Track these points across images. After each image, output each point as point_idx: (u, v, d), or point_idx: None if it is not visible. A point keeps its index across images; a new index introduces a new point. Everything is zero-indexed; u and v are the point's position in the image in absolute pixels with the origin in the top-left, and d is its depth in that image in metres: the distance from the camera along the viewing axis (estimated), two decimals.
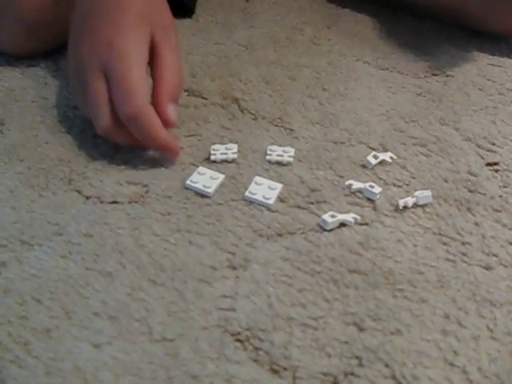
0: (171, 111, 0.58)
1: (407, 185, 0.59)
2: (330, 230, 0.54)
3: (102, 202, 0.56)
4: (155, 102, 0.58)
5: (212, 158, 0.60)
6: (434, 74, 0.76)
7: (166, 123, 0.57)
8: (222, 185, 0.58)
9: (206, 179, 0.57)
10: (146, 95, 0.56)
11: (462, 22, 0.79)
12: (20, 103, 0.68)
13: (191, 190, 0.57)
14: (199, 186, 0.56)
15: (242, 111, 0.67)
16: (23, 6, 0.68)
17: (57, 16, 0.69)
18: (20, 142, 0.62)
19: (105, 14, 0.59)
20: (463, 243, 0.54)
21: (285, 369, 0.44)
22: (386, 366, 0.44)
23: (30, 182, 0.58)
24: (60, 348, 0.45)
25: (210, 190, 0.56)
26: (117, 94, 0.56)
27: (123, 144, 0.60)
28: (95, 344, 0.45)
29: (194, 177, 0.57)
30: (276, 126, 0.65)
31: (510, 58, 0.79)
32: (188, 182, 0.57)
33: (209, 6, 0.87)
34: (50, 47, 0.74)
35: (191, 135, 0.63)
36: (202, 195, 0.57)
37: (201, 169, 0.58)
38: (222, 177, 0.58)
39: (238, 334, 0.46)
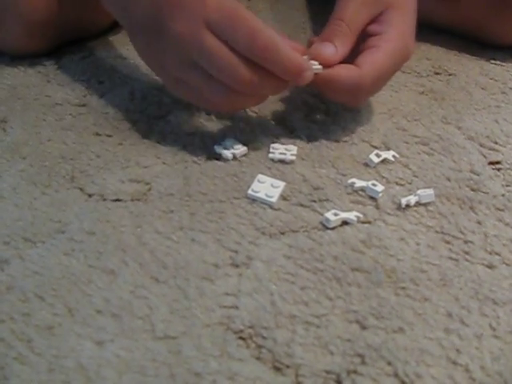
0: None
1: (410, 183, 0.59)
2: (333, 229, 0.54)
3: (104, 200, 0.56)
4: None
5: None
6: (437, 73, 0.76)
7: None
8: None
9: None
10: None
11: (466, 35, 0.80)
12: (22, 101, 0.68)
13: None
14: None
15: (244, 110, 0.67)
16: (25, 7, 0.68)
17: (59, 16, 0.69)
18: (22, 140, 0.62)
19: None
20: (466, 242, 0.54)
21: (287, 366, 0.44)
22: (389, 364, 0.44)
23: (33, 180, 0.58)
24: (63, 345, 0.45)
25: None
26: (241, 39, 0.53)
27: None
28: (98, 341, 0.45)
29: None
30: (278, 124, 0.65)
31: None
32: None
33: None
34: (51, 46, 0.74)
35: (193, 133, 0.63)
36: (203, 192, 0.57)
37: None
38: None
39: (241, 331, 0.46)
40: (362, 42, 0.61)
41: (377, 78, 0.59)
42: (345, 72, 0.58)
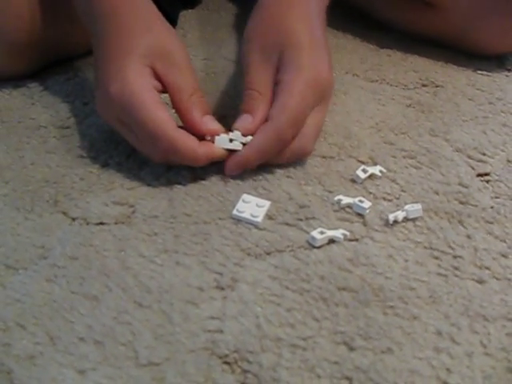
0: (208, 120, 0.59)
1: (397, 198, 0.58)
2: (319, 247, 0.53)
3: (88, 224, 0.55)
4: (188, 122, 0.58)
5: None
6: (424, 85, 0.75)
7: (210, 133, 0.58)
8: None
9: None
10: (169, 123, 0.56)
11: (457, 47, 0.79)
12: (6, 124, 0.67)
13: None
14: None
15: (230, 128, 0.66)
16: (6, 28, 0.67)
17: (41, 37, 0.69)
18: (5, 164, 0.62)
19: (105, 63, 0.58)
20: (455, 257, 0.53)
21: None
22: None
23: (16, 205, 0.57)
24: (44, 375, 0.44)
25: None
26: (144, 139, 0.57)
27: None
28: (80, 370, 0.44)
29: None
30: None
31: (499, 66, 0.78)
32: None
33: (197, 21, 0.87)
34: (35, 68, 0.73)
35: None
36: (188, 214, 0.56)
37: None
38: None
39: (226, 356, 0.45)
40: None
41: (293, 122, 0.57)
42: (263, 136, 0.57)
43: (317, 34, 0.61)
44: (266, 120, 0.58)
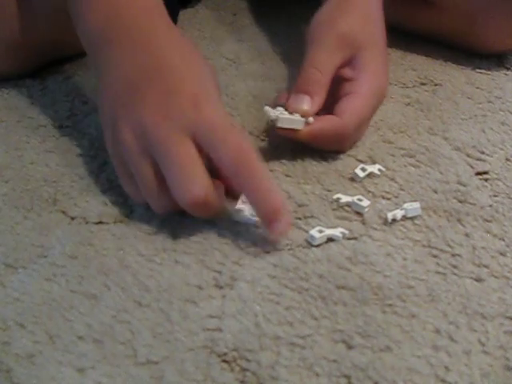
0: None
1: (396, 197, 0.59)
2: (318, 246, 0.53)
3: (87, 223, 0.55)
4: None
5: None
6: (423, 84, 0.75)
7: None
8: None
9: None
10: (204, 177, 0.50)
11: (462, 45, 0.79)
12: (5, 123, 0.68)
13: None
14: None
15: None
16: (4, 28, 0.67)
17: (39, 37, 0.69)
18: (5, 163, 0.62)
19: (137, 93, 0.52)
20: (453, 255, 0.53)
21: None
22: None
23: (15, 204, 0.57)
24: (43, 374, 0.44)
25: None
26: (173, 181, 0.50)
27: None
28: (79, 369, 0.44)
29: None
30: (263, 140, 0.65)
31: (498, 65, 0.79)
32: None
33: (196, 20, 0.87)
34: (33, 67, 0.73)
35: None
36: (186, 213, 0.56)
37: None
38: None
39: (225, 354, 0.45)
40: (336, 85, 0.61)
41: (358, 125, 0.60)
42: (328, 125, 0.59)
43: (384, 35, 0.63)
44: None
